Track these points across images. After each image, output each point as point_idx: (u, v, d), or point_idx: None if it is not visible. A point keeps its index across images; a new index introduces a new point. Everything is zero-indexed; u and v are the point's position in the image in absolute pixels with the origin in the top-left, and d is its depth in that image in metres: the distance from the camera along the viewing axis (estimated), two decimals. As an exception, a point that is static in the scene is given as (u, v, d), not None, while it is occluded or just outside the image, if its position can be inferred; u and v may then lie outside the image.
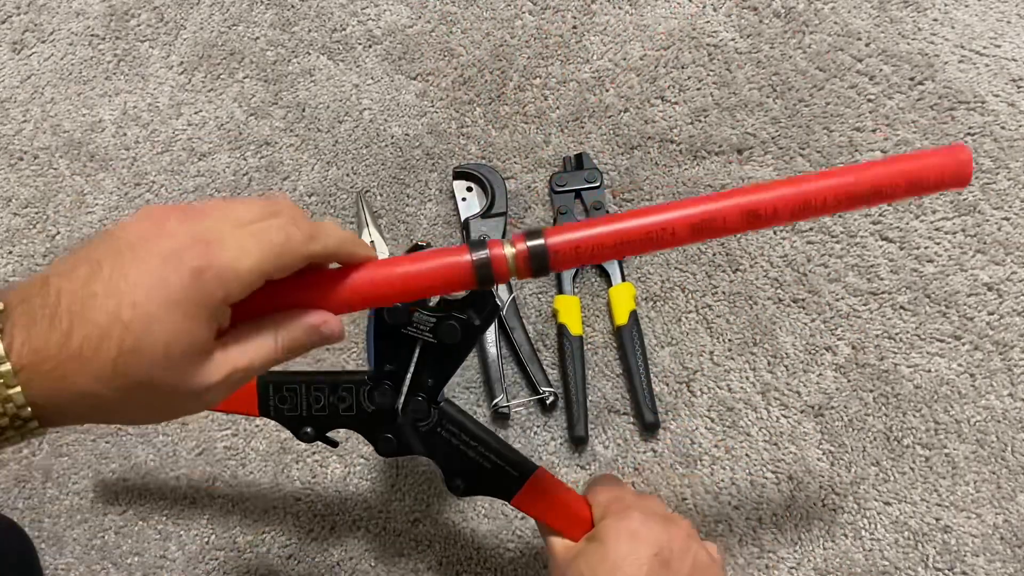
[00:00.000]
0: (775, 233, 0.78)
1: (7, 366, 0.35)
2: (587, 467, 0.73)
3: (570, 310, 0.76)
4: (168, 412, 0.39)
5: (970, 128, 0.80)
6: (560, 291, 0.77)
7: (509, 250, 0.44)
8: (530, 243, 0.44)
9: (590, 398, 0.74)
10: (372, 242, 0.80)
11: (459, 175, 0.81)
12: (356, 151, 0.84)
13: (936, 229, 0.77)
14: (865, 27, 0.84)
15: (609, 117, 0.83)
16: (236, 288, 0.38)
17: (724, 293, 0.77)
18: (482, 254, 0.44)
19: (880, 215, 0.78)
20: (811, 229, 0.78)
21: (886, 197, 0.45)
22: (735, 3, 0.87)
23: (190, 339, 0.37)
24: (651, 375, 0.74)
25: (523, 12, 0.88)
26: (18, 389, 0.35)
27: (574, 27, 0.87)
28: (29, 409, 0.36)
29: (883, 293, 0.76)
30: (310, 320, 0.42)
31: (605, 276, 0.78)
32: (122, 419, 0.39)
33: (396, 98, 0.86)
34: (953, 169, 0.44)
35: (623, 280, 0.77)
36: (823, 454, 0.72)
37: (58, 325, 0.36)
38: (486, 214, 0.79)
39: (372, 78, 0.87)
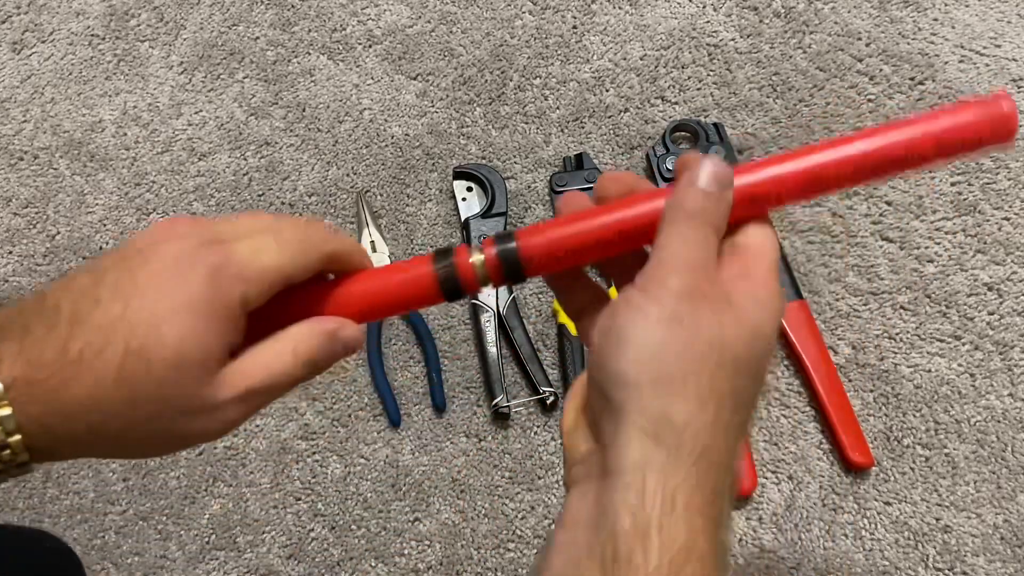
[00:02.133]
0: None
1: None
2: (587, 467, 0.73)
3: (570, 310, 0.76)
4: (176, 436, 0.35)
5: (970, 128, 0.80)
6: (560, 291, 0.77)
7: (477, 257, 0.39)
8: (499, 247, 0.38)
9: (590, 398, 0.74)
10: (372, 242, 0.80)
11: (459, 175, 0.81)
12: (356, 151, 0.84)
13: (936, 229, 0.77)
14: (865, 27, 0.84)
15: (609, 117, 0.83)
16: (255, 289, 0.35)
17: (724, 293, 0.77)
18: (446, 264, 0.39)
19: (880, 215, 0.78)
20: (811, 229, 0.78)
21: (910, 164, 0.38)
22: (735, 3, 0.87)
23: (203, 344, 0.33)
24: (651, 375, 0.74)
25: (523, 12, 0.88)
26: (9, 411, 0.32)
27: (574, 27, 0.87)
28: (19, 437, 0.32)
29: (883, 293, 0.76)
30: (326, 326, 0.38)
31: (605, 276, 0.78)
32: (125, 448, 0.35)
33: (396, 98, 0.86)
34: (989, 127, 0.37)
35: (623, 280, 0.77)
36: (823, 454, 0.72)
37: (56, 333, 0.33)
38: (486, 214, 0.79)
39: (372, 78, 0.87)
